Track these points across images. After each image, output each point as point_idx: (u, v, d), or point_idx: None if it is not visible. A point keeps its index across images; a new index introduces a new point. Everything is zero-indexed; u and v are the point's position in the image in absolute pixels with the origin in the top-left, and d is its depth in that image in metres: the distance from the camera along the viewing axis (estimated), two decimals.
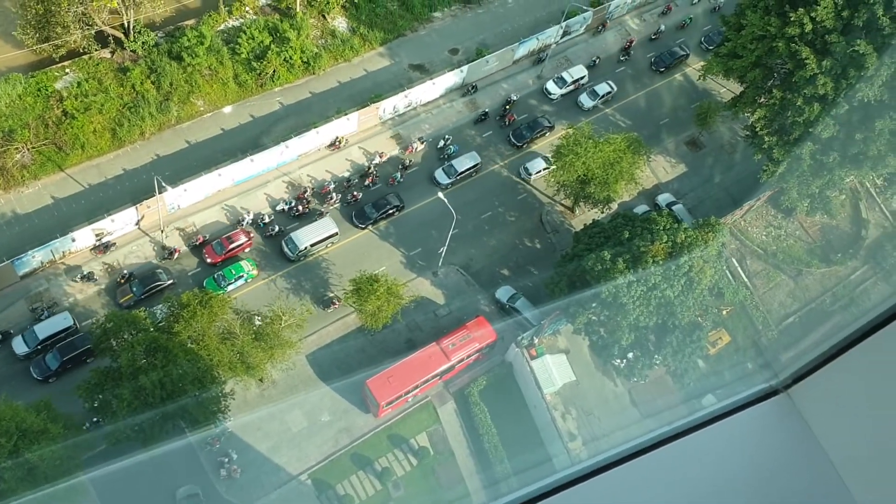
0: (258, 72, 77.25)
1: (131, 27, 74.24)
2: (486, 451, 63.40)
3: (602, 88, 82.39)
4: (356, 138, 76.51)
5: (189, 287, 64.09)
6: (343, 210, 72.52)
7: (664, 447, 6.63)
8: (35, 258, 63.91)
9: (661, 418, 62.48)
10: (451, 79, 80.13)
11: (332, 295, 68.14)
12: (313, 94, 78.84)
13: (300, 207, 70.97)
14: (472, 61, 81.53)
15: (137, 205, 66.77)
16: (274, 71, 77.60)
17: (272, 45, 77.04)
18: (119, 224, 66.75)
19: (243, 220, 69.52)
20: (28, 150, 69.41)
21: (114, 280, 66.02)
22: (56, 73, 73.07)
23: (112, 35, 74.50)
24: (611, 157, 68.80)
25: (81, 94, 71.84)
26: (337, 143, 74.14)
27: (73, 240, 65.06)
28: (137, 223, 67.99)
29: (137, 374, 51.57)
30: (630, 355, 62.95)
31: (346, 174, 74.22)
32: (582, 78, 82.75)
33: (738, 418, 6.85)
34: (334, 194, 72.09)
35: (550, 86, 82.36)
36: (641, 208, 75.07)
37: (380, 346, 66.46)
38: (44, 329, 61.61)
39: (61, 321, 62.28)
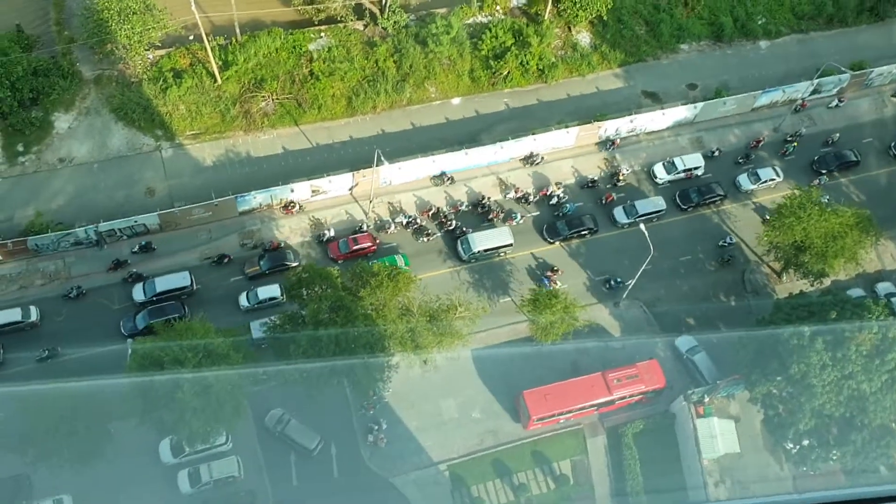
0: (493, 70, 78.98)
1: (387, 5, 78.37)
2: (628, 496, 61.29)
3: (766, 173, 75.64)
4: (571, 153, 76.35)
5: None
6: (535, 222, 72.71)
7: None
8: (256, 199, 69.22)
9: None
10: (682, 112, 77.87)
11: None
12: (540, 101, 79.48)
13: (442, 219, 70.98)
14: (709, 100, 78.73)
15: (355, 172, 70.50)
16: (508, 72, 79.01)
17: (513, 48, 78.47)
18: (335, 186, 70.80)
19: (362, 226, 70.17)
20: (273, 100, 75.26)
21: (315, 235, 70.11)
22: (312, 35, 78.66)
23: (369, 9, 79.09)
24: (835, 230, 63.99)
25: (329, 59, 76.85)
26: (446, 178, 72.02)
27: (292, 190, 69.76)
28: (351, 189, 71.76)
29: (318, 325, 54.53)
30: (806, 442, 58.34)
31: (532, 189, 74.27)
32: (696, 168, 75.42)
33: None
34: (525, 205, 72.46)
35: (658, 169, 75.56)
36: (856, 292, 69.24)
37: (544, 360, 65.98)
38: (163, 283, 64.81)
39: (180, 279, 65.09)
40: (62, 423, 52.13)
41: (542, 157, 74.89)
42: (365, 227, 70.06)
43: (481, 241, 69.29)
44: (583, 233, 71.83)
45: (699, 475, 61.08)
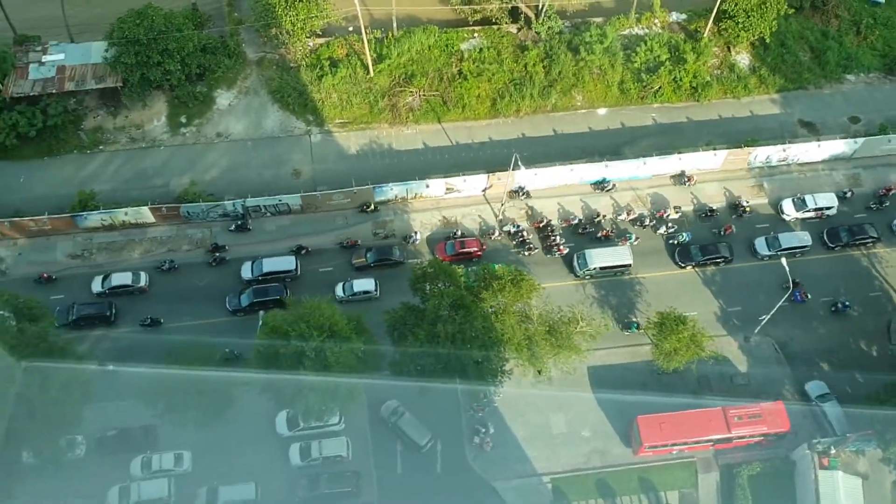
0: (644, 84, 77.31)
1: (544, 10, 78.16)
2: None
3: None
4: (717, 176, 73.70)
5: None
6: (667, 247, 70.64)
7: None
8: (392, 190, 70.81)
9: None
10: (840, 146, 73.60)
11: (635, 320, 66.97)
12: (689, 120, 77.17)
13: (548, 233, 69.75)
14: (872, 135, 74.01)
15: (490, 174, 70.79)
16: (660, 87, 77.13)
17: (667, 62, 76.55)
18: (469, 185, 71.38)
19: (457, 231, 69.84)
20: (420, 96, 76.70)
21: (446, 233, 70.88)
22: (465, 35, 79.62)
23: (524, 13, 79.14)
24: None
25: (479, 60, 77.51)
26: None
27: (427, 186, 70.88)
28: (484, 190, 72.13)
29: (437, 321, 55.16)
30: None
31: (689, 208, 72.08)
32: (829, 208, 70.67)
33: None
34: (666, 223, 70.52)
35: (787, 205, 71.31)
36: None
37: (663, 387, 64.09)
38: (270, 264, 67.08)
39: (286, 263, 67.28)
40: (191, 384, 55.25)
41: (614, 186, 72.42)
42: (459, 232, 70.19)
43: (598, 258, 67.87)
44: (717, 260, 69.25)
45: None
